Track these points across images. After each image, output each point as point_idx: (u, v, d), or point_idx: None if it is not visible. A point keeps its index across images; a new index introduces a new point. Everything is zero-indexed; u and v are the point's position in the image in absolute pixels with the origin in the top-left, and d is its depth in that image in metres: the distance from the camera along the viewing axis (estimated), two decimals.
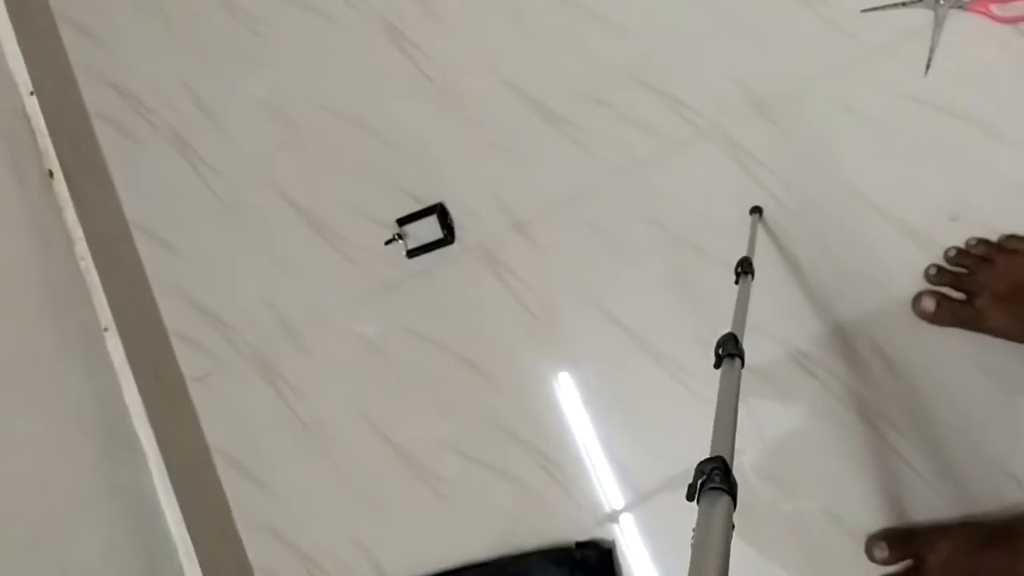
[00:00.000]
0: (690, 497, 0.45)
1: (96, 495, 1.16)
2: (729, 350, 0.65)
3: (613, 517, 1.16)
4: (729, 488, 0.44)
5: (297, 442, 1.31)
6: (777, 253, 1.12)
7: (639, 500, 1.16)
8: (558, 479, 1.19)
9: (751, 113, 1.15)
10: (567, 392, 1.20)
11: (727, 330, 0.70)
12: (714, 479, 0.44)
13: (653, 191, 1.18)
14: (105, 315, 1.29)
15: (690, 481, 0.45)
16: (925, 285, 1.06)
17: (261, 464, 1.34)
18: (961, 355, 1.05)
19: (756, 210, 1.11)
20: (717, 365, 0.65)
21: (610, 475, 1.17)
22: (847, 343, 1.09)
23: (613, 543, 1.16)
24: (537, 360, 1.22)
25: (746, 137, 1.15)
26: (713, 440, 0.51)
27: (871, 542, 1.03)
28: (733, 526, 0.42)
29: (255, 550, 1.33)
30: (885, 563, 1.01)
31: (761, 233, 1.11)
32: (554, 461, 1.19)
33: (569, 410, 1.20)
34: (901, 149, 1.09)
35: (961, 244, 1.05)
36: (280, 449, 1.32)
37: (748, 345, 0.70)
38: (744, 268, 0.92)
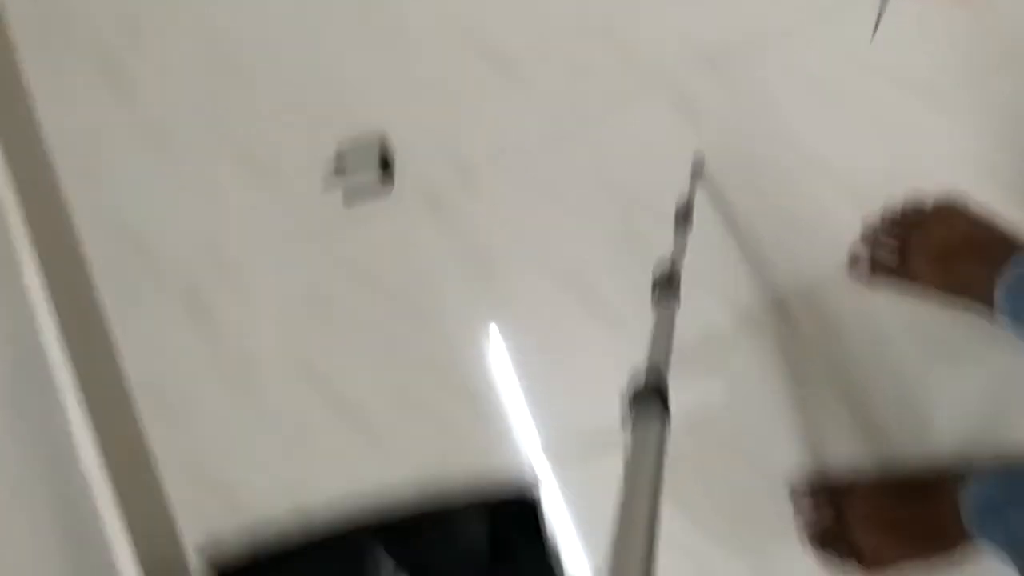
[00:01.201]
0: (629, 405, 0.44)
1: (3, 431, 1.11)
2: (663, 287, 0.65)
3: (542, 467, 1.16)
4: (663, 398, 0.43)
5: (221, 379, 1.28)
6: (715, 206, 1.12)
7: (570, 451, 1.16)
8: (488, 425, 1.18)
9: (699, 67, 1.14)
10: (502, 340, 1.19)
11: None
12: (649, 386, 0.44)
13: (599, 142, 1.17)
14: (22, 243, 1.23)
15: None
16: (861, 245, 1.07)
17: (183, 401, 1.30)
18: (890, 315, 1.07)
19: (698, 161, 1.11)
20: (653, 292, 0.64)
21: (541, 424, 1.17)
22: (781, 298, 1.10)
23: (538, 494, 1.16)
24: (473, 306, 1.20)
25: (692, 90, 1.15)
26: (648, 356, 0.50)
27: (796, 492, 1.05)
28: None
29: (175, 488, 1.29)
30: (808, 512, 1.04)
31: (703, 186, 1.11)
32: (484, 408, 1.18)
33: (503, 358, 1.19)
34: (844, 112, 1.11)
35: (895, 207, 1.06)
36: (203, 386, 1.28)
37: (684, 291, 0.70)
38: (683, 214, 0.91)
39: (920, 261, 1.01)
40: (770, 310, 1.11)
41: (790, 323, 1.10)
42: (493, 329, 1.20)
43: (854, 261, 1.07)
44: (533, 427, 1.17)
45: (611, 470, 0.45)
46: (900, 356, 1.07)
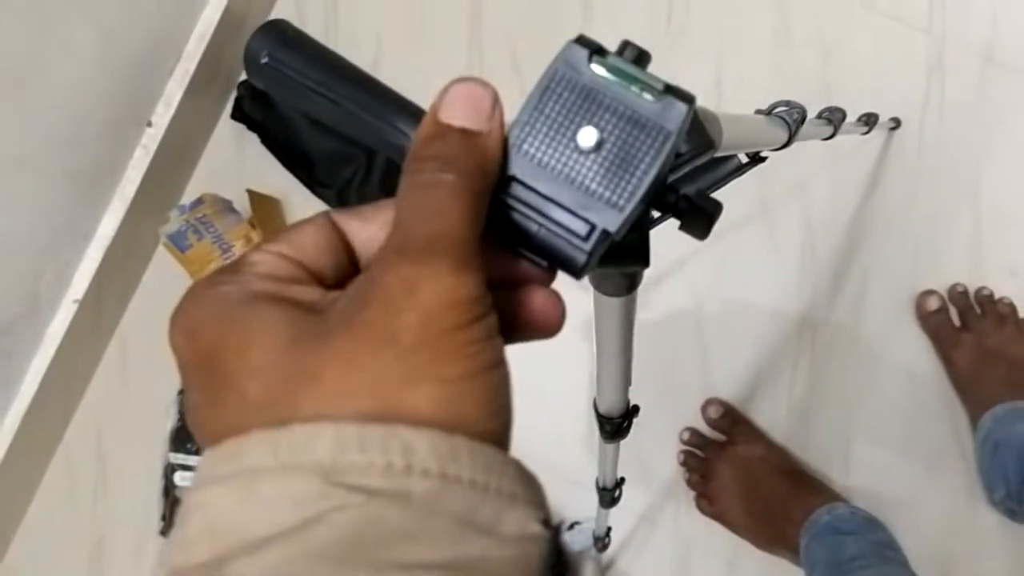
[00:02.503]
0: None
1: None
2: None
3: None
4: None
5: None
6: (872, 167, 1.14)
7: None
8: None
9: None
10: None
11: None
12: None
13: None
14: None
15: None
16: (944, 285, 1.12)
17: None
18: (910, 354, 1.14)
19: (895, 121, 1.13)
20: None
21: None
22: (846, 272, 1.14)
23: None
24: None
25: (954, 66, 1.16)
26: None
27: (712, 402, 1.15)
28: None
29: None
30: (708, 422, 1.15)
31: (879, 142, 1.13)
32: None
33: None
34: None
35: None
36: None
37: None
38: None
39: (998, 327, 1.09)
40: (830, 272, 1.09)
41: (838, 291, 1.09)
42: None
43: (925, 298, 1.13)
44: None
45: None
46: (885, 387, 1.14)
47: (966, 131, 1.15)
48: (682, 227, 0.31)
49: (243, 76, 1.27)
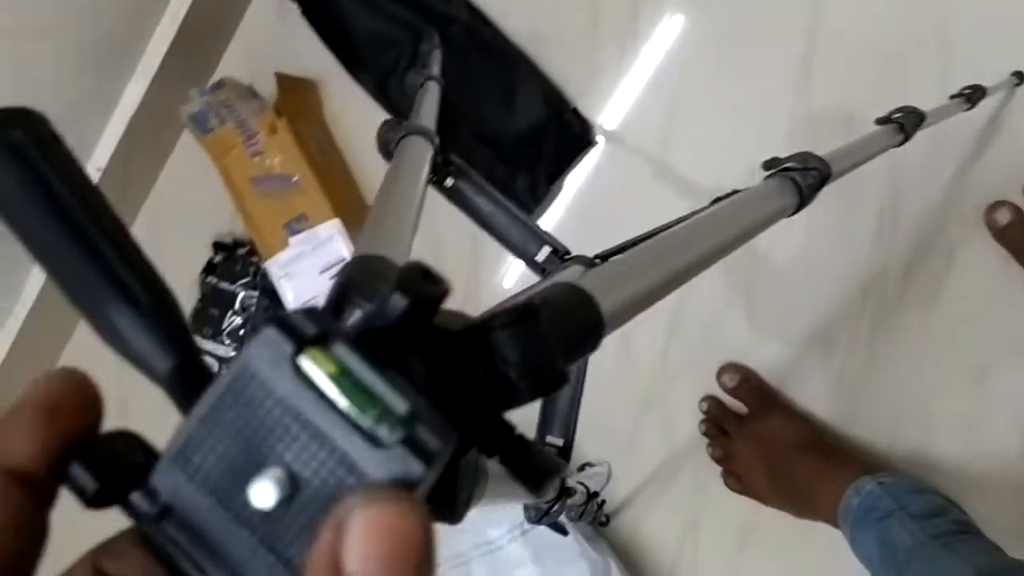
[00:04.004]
0: None
1: None
2: None
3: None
4: None
5: None
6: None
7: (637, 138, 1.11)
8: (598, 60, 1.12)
9: None
10: None
11: None
12: None
13: None
14: None
15: None
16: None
17: None
18: (987, 293, 0.98)
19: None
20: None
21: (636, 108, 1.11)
22: (928, 251, 1.01)
23: (593, 131, 1.12)
24: None
25: None
26: None
27: (727, 368, 1.06)
28: None
29: None
30: (724, 390, 1.06)
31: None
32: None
33: None
34: None
35: None
36: None
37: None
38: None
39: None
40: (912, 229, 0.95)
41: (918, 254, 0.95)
42: None
43: (994, 209, 0.96)
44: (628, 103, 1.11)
45: None
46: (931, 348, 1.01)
47: None
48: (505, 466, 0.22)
49: None
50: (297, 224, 1.10)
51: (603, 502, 0.95)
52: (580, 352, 0.23)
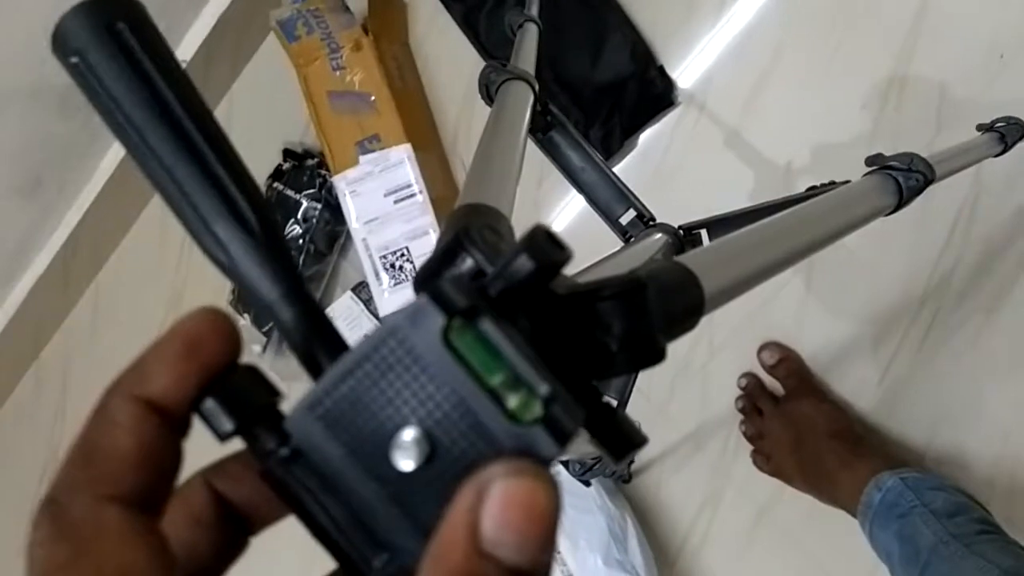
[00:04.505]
0: None
1: None
2: None
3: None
4: None
5: None
6: None
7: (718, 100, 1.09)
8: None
9: None
10: None
11: None
12: None
13: None
14: None
15: None
16: None
17: None
18: None
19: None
20: None
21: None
22: (997, 259, 0.99)
23: (676, 92, 1.11)
24: None
25: None
26: None
27: (768, 345, 1.06)
28: None
29: None
30: (763, 366, 1.06)
31: None
32: None
33: None
34: None
35: None
36: None
37: None
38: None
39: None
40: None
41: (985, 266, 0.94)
42: None
43: None
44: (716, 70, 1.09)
45: None
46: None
47: None
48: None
49: None
50: (369, 144, 1.10)
51: (632, 460, 0.96)
52: (679, 331, 0.24)
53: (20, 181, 1.20)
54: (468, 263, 0.23)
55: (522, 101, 0.44)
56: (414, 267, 1.12)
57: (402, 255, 1.12)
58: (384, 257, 1.12)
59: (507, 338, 0.17)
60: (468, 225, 0.23)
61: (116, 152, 1.24)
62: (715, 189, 1.08)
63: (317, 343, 0.20)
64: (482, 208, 0.26)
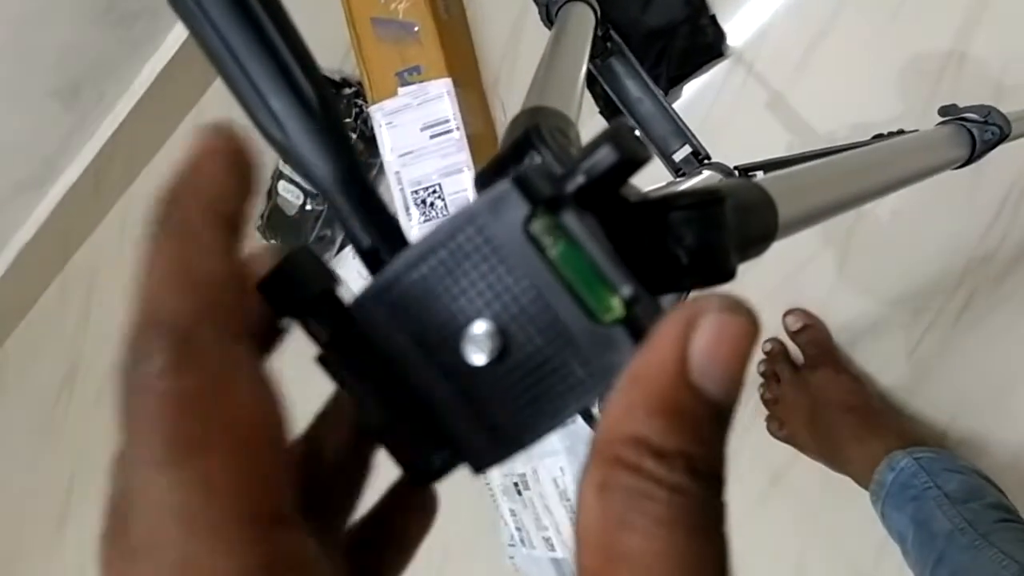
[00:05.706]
0: None
1: None
2: None
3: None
4: None
5: None
6: None
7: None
8: None
9: None
10: None
11: None
12: None
13: None
14: None
15: None
16: None
17: None
18: None
19: None
20: None
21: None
22: None
23: (726, 43, 1.07)
24: None
25: None
26: None
27: (794, 311, 1.05)
28: None
29: None
30: (786, 331, 1.05)
31: None
32: None
33: None
34: None
35: None
36: None
37: None
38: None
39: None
40: None
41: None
42: None
43: None
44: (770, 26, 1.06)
45: None
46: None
47: None
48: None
49: None
50: (409, 75, 1.08)
51: None
52: (751, 253, 0.22)
53: (60, 85, 1.19)
54: (537, 162, 0.22)
55: (584, 24, 0.43)
56: (445, 205, 1.11)
57: (434, 191, 1.11)
58: (416, 192, 1.11)
59: (591, 235, 0.16)
60: (539, 124, 0.22)
61: (154, 65, 1.23)
62: (744, 147, 1.05)
63: (375, 232, 0.19)
64: (551, 111, 0.25)
